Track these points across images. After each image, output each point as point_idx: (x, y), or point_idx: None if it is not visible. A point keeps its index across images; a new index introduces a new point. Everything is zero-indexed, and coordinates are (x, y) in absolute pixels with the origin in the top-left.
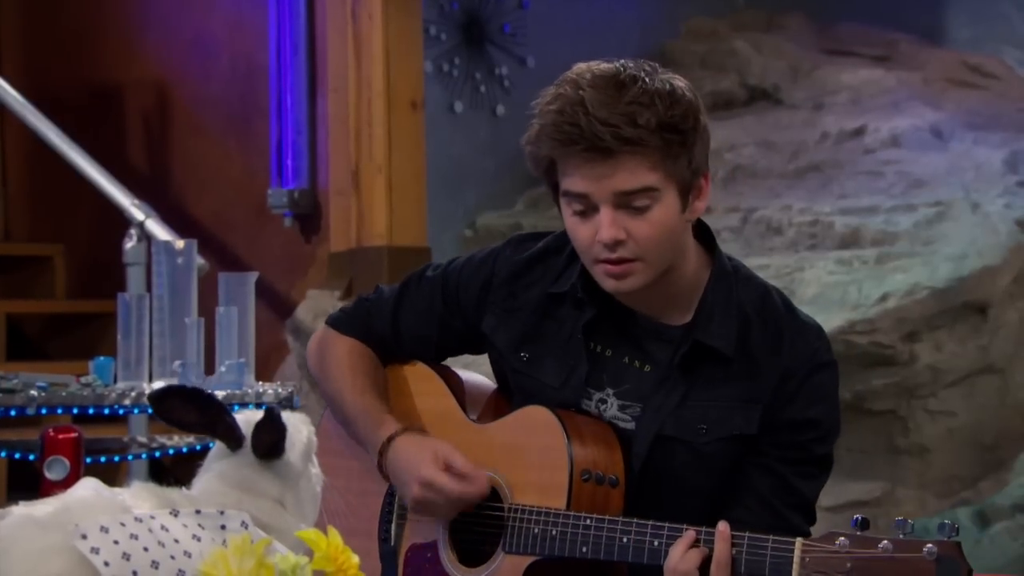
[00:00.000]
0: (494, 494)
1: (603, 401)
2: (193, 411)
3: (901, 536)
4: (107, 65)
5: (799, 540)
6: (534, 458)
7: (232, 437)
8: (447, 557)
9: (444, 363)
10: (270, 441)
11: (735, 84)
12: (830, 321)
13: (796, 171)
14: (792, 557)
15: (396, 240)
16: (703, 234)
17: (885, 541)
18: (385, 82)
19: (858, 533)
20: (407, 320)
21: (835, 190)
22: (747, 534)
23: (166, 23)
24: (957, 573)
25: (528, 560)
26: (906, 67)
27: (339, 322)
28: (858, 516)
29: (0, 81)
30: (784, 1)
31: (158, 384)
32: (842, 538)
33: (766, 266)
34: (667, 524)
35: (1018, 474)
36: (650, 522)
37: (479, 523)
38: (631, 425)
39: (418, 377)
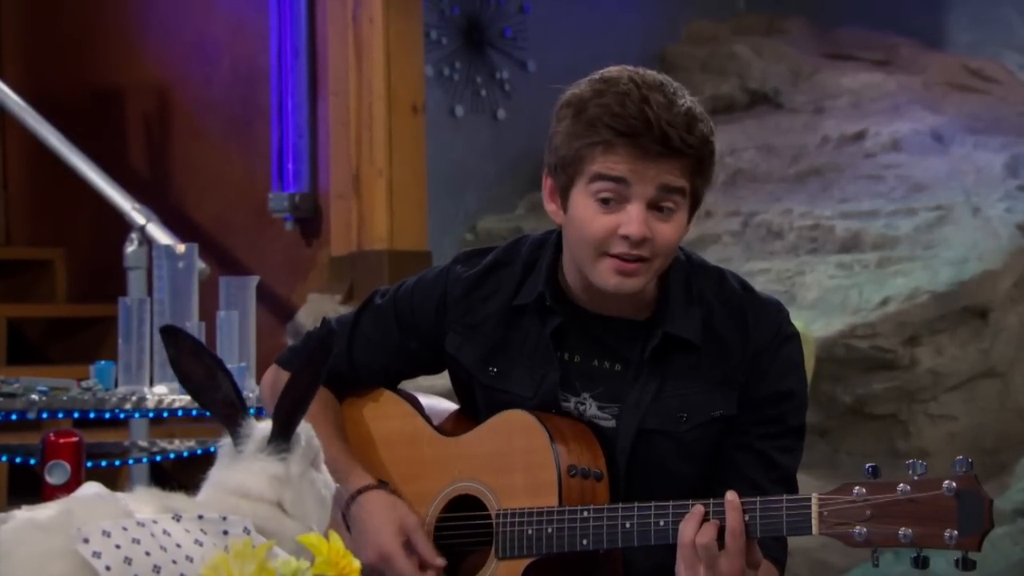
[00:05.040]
0: (476, 503)
1: (581, 403)
2: (200, 368)
3: (915, 477)
4: (108, 69)
5: (814, 495)
6: (518, 461)
7: (229, 414)
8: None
9: (400, 387)
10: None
11: (736, 88)
12: (831, 325)
13: (797, 175)
14: (810, 513)
15: (397, 244)
16: None
17: (902, 484)
18: (386, 86)
19: (873, 480)
20: (363, 354)
21: (836, 194)
22: (758, 498)
23: (167, 27)
24: (979, 506)
25: (524, 563)
26: (907, 71)
27: (292, 363)
28: (870, 465)
29: (1, 85)
30: (785, 5)
31: (159, 388)
32: (858, 487)
33: (767, 270)
34: (671, 503)
35: (1019, 478)
36: (652, 503)
37: (463, 535)
38: (612, 423)
39: (381, 402)
